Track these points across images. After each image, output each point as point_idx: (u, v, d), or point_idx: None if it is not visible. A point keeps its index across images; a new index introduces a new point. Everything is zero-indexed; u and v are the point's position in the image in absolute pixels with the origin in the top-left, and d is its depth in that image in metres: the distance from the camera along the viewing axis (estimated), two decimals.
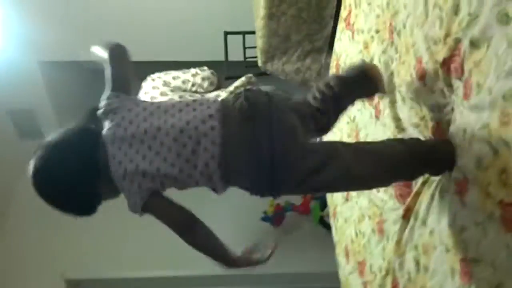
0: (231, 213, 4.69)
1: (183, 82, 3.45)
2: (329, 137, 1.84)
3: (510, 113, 1.09)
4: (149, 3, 4.23)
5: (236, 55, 3.97)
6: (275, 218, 4.51)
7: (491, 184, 1.15)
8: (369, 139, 2.02)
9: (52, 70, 4.52)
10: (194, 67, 3.75)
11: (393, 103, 1.75)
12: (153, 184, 1.33)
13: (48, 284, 4.24)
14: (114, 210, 4.81)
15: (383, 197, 1.88)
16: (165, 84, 3.40)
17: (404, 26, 1.64)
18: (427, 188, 1.55)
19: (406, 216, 1.67)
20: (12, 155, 4.86)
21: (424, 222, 1.56)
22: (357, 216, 2.20)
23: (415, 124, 1.60)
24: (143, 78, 5.52)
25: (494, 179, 1.14)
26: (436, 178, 1.48)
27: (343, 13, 2.44)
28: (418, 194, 1.60)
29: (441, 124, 1.46)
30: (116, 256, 4.40)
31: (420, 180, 1.58)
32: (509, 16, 1.09)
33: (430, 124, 1.52)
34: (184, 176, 1.33)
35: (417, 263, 1.59)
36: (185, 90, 3.39)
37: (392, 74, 1.75)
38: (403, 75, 1.65)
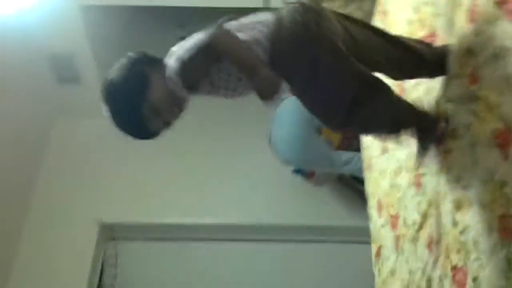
0: (263, 166, 4.67)
1: None
2: None
3: None
4: None
5: (276, 1, 3.89)
6: (307, 171, 4.48)
7: None
8: None
9: (92, 15, 4.52)
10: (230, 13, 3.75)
11: None
12: None
13: (81, 228, 4.30)
14: (148, 155, 4.88)
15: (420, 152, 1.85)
16: None
17: None
18: (460, 141, 1.52)
19: (442, 170, 1.65)
20: (50, 99, 4.96)
21: (458, 178, 1.54)
22: (393, 168, 2.18)
23: None
24: (182, 24, 5.49)
25: None
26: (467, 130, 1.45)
27: None
28: (449, 151, 1.57)
29: None
30: (150, 202, 4.43)
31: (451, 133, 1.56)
32: None
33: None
34: None
35: (453, 218, 1.58)
36: None
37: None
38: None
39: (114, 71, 1.60)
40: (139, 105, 1.50)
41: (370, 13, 2.88)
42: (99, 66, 4.71)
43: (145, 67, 1.60)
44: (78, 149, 5.02)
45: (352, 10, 3.08)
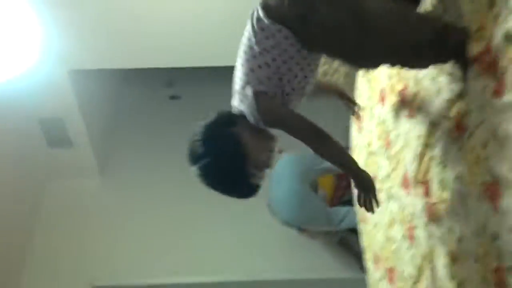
0: (255, 217, 4.60)
1: None
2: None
3: None
4: (178, 11, 4.25)
5: None
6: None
7: None
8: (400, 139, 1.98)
9: (81, 79, 4.58)
10: (223, 72, 3.87)
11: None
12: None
13: None
14: (140, 216, 4.87)
15: (414, 201, 1.84)
16: None
17: None
18: (451, 192, 1.52)
19: (434, 220, 1.64)
20: (41, 162, 4.97)
21: (451, 230, 1.52)
22: (387, 221, 2.16)
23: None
24: (171, 83, 5.54)
25: None
26: (459, 184, 1.44)
27: None
28: (443, 201, 1.56)
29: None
30: (143, 262, 4.42)
31: (443, 184, 1.55)
32: None
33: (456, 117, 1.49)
34: None
35: (449, 272, 1.55)
36: None
37: None
38: None
39: (199, 147, 1.57)
40: (243, 167, 1.52)
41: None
42: (89, 129, 4.74)
43: (227, 127, 1.55)
44: (70, 211, 5.00)
45: (337, 66, 3.11)
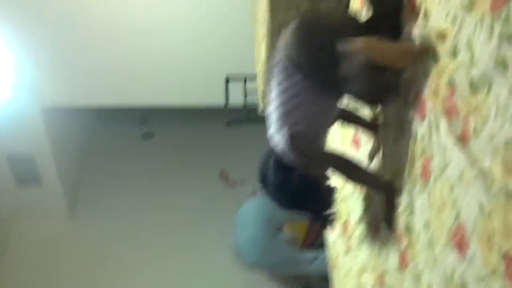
0: (228, 262, 4.56)
1: None
2: None
3: None
4: (152, 50, 4.26)
5: (237, 101, 3.97)
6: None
7: (496, 234, 1.09)
8: None
9: (54, 117, 4.53)
10: (197, 112, 3.96)
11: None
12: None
13: None
14: (111, 260, 4.77)
15: (384, 245, 1.81)
16: None
17: None
18: (418, 238, 1.49)
19: (403, 267, 1.60)
20: (9, 200, 4.85)
21: (419, 277, 1.49)
22: (358, 268, 2.12)
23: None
24: (144, 122, 5.54)
25: (499, 228, 1.07)
26: (427, 230, 1.42)
27: None
28: (412, 245, 1.53)
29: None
30: None
31: (411, 230, 1.52)
32: (506, 63, 1.06)
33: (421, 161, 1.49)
34: None
35: None
36: None
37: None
38: None
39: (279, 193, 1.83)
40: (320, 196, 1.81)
41: None
42: (59, 167, 4.67)
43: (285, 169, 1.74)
44: (38, 252, 4.88)
45: None
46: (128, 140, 5.03)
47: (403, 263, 1.62)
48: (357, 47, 1.47)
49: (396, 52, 1.51)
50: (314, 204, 1.85)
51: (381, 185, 1.74)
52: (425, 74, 1.44)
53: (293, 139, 1.65)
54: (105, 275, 4.64)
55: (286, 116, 1.65)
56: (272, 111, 1.72)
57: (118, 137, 5.51)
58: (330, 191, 1.87)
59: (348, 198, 2.28)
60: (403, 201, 1.60)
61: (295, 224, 4.52)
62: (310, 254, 3.74)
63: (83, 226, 5.06)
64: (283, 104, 1.65)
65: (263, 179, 1.83)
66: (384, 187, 1.72)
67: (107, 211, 5.10)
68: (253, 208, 3.75)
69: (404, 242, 1.62)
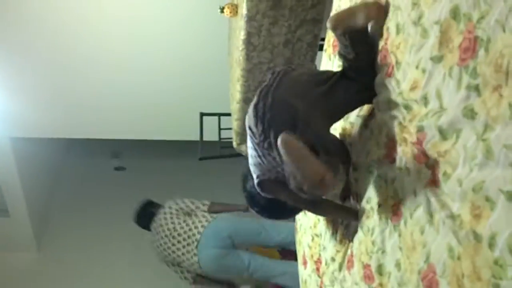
0: None
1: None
2: None
3: (480, 205, 1.09)
4: (126, 84, 4.28)
5: (211, 135, 4.00)
6: None
7: (465, 277, 1.12)
8: None
9: (24, 147, 4.47)
10: (170, 146, 4.03)
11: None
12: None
13: None
14: None
15: (356, 280, 1.83)
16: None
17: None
18: (389, 279, 1.52)
19: None
20: None
21: None
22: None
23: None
24: (116, 154, 5.52)
25: (468, 271, 1.11)
26: (397, 271, 1.45)
27: None
28: (383, 285, 1.56)
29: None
30: None
31: (382, 271, 1.55)
32: (475, 112, 1.12)
33: (392, 202, 1.53)
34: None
35: None
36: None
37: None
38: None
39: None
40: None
41: (318, 37, 3.00)
42: (27, 198, 4.59)
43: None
44: (5, 282, 4.74)
45: (302, 34, 3.12)
46: (99, 172, 4.98)
47: None
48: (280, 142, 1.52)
49: (310, 168, 1.51)
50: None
51: (346, 214, 1.89)
52: (397, 120, 1.49)
53: (262, 185, 1.76)
54: None
55: (257, 165, 1.75)
56: (249, 158, 1.82)
57: (89, 169, 5.45)
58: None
59: (321, 236, 2.30)
60: (375, 241, 1.64)
61: (269, 253, 4.54)
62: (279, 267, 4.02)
63: (51, 258, 4.95)
64: (255, 156, 1.74)
65: (251, 201, 1.94)
66: (349, 215, 1.87)
67: (75, 243, 5.02)
68: (219, 226, 3.99)
69: (376, 282, 1.64)
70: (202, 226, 3.97)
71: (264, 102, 1.64)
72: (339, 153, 1.85)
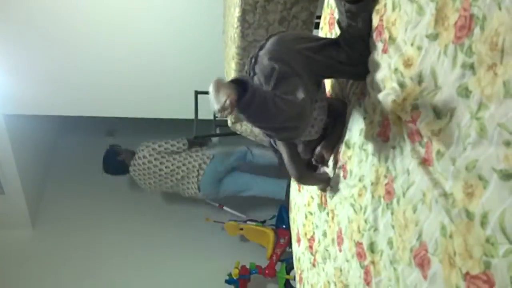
0: (195, 275, 4.64)
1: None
2: None
3: (473, 184, 1.09)
4: (121, 62, 4.24)
5: (206, 114, 3.98)
6: (240, 281, 4.41)
7: (457, 255, 1.13)
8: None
9: (17, 124, 4.44)
10: (165, 124, 4.52)
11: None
12: None
13: None
14: (75, 270, 4.69)
15: (348, 260, 1.84)
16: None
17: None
18: (381, 256, 1.53)
19: (366, 282, 1.63)
20: None
21: None
22: (323, 282, 2.15)
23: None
24: (111, 132, 5.50)
25: (460, 249, 1.12)
26: (389, 249, 1.46)
27: None
28: (375, 262, 1.57)
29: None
30: None
31: (374, 248, 1.57)
32: (469, 90, 1.11)
33: (385, 181, 1.53)
34: None
35: None
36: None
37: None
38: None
39: None
40: None
41: (314, 15, 3.00)
42: (22, 176, 4.57)
43: None
44: (0, 262, 4.76)
45: (297, 11, 3.11)
46: (93, 150, 4.97)
47: (366, 280, 1.66)
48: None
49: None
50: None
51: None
52: (391, 98, 1.49)
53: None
54: (67, 286, 4.57)
55: None
56: None
57: (84, 147, 5.44)
58: None
59: (314, 214, 2.31)
60: (368, 219, 1.65)
61: (264, 236, 4.58)
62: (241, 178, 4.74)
63: (46, 235, 4.97)
64: None
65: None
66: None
67: (70, 220, 5.03)
68: (210, 168, 4.59)
69: (368, 259, 1.65)
70: (200, 164, 4.54)
71: (249, 64, 1.73)
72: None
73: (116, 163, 4.62)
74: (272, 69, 1.62)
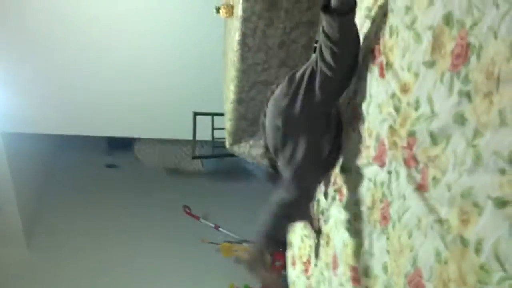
0: None
1: None
2: None
3: (468, 211, 1.09)
4: (120, 82, 4.26)
5: (204, 135, 3.99)
6: None
7: (451, 281, 1.13)
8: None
9: (14, 142, 4.44)
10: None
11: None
12: None
13: None
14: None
15: (342, 281, 1.84)
16: None
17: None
18: (375, 281, 1.52)
19: None
20: None
21: None
22: None
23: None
24: (108, 152, 5.51)
25: (455, 276, 1.12)
26: (384, 274, 1.45)
27: None
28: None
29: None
30: None
31: (369, 273, 1.56)
32: (465, 118, 1.12)
33: (381, 205, 1.53)
34: None
35: None
36: None
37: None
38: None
39: None
40: None
41: (313, 40, 3.01)
42: (18, 195, 4.55)
43: None
44: None
45: (297, 36, 3.12)
46: (91, 169, 4.97)
47: None
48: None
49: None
50: None
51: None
52: (387, 123, 1.50)
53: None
54: None
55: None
56: None
57: (81, 166, 5.44)
58: None
59: (309, 237, 2.31)
60: (363, 244, 1.64)
61: None
62: None
63: (41, 254, 4.93)
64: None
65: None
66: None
67: (65, 239, 5.00)
68: None
69: (362, 285, 1.65)
70: None
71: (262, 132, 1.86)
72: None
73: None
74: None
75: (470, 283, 1.05)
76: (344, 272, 1.80)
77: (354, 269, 1.72)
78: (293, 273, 2.58)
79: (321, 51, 1.62)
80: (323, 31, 1.58)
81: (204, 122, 4.04)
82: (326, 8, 1.54)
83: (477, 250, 1.04)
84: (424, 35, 1.33)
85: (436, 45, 1.27)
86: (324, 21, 1.57)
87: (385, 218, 1.50)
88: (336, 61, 1.60)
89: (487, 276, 1.01)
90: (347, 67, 1.67)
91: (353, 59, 1.67)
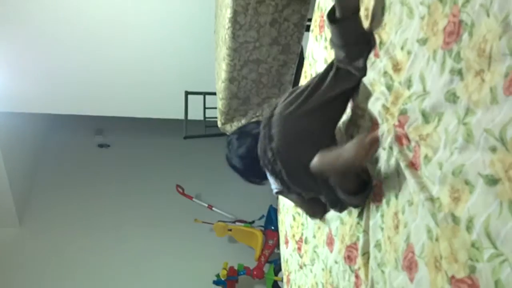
0: (183, 275, 4.63)
1: None
2: None
3: (459, 189, 1.10)
4: (112, 61, 4.23)
5: (196, 114, 3.98)
6: (228, 282, 4.41)
7: (443, 258, 1.14)
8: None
9: (5, 121, 4.41)
10: (154, 124, 4.02)
11: None
12: None
13: None
14: (63, 268, 4.66)
15: (337, 261, 1.85)
16: None
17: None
18: (370, 260, 1.54)
19: (357, 284, 1.64)
20: None
21: None
22: (310, 284, 2.16)
23: None
24: (100, 131, 5.48)
25: (446, 253, 1.13)
26: (378, 251, 1.46)
27: (303, 80, 2.49)
28: (364, 265, 1.58)
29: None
30: None
31: (363, 250, 1.57)
32: (457, 96, 1.12)
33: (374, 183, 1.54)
34: None
35: None
36: None
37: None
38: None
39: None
40: None
41: (305, 18, 3.00)
42: (9, 174, 4.53)
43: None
44: None
45: (289, 14, 3.10)
46: (83, 148, 4.95)
47: (356, 283, 1.66)
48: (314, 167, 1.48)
49: (349, 156, 1.44)
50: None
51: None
52: (380, 102, 1.49)
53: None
54: (55, 284, 4.55)
55: None
56: None
57: (72, 145, 5.42)
58: None
59: (301, 214, 2.32)
60: (359, 222, 1.65)
61: (253, 237, 4.58)
62: None
63: (33, 233, 4.94)
64: None
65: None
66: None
67: (57, 218, 5.01)
68: None
69: (358, 262, 1.66)
70: None
71: (273, 166, 1.68)
72: None
73: None
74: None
75: (461, 260, 1.06)
76: (339, 249, 1.81)
77: (349, 247, 1.73)
78: (286, 251, 2.60)
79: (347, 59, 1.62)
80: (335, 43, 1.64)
81: (195, 102, 4.02)
82: (333, 19, 1.58)
83: (468, 228, 1.05)
84: (417, 11, 1.32)
85: (429, 22, 1.26)
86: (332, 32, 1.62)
87: (378, 195, 1.51)
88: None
89: (478, 254, 1.02)
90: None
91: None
